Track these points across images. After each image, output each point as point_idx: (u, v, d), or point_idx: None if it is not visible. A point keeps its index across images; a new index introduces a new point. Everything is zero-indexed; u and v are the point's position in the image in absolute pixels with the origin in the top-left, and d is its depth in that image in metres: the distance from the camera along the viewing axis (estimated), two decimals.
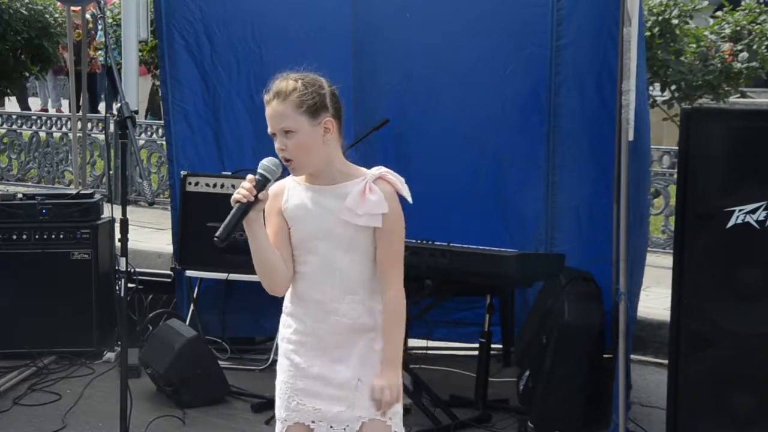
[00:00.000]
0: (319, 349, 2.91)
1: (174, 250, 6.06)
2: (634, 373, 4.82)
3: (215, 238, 2.81)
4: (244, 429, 4.83)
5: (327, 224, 2.83)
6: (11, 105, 16.60)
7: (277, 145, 2.82)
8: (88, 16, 9.99)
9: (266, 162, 2.82)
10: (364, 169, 2.88)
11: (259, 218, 2.83)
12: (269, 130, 2.83)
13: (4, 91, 11.26)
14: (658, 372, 5.44)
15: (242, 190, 2.76)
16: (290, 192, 2.90)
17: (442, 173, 5.72)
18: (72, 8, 7.25)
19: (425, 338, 5.69)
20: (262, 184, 2.79)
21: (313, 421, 2.94)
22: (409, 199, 2.85)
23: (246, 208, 2.78)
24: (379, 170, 2.85)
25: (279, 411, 3.02)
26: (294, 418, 2.97)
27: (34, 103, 17.14)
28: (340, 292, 2.85)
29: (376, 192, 2.80)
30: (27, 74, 11.09)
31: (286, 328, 3.00)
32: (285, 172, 2.88)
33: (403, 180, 2.87)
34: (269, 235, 2.89)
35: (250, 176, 2.80)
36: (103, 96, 14.26)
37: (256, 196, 2.77)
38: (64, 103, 16.65)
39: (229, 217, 2.80)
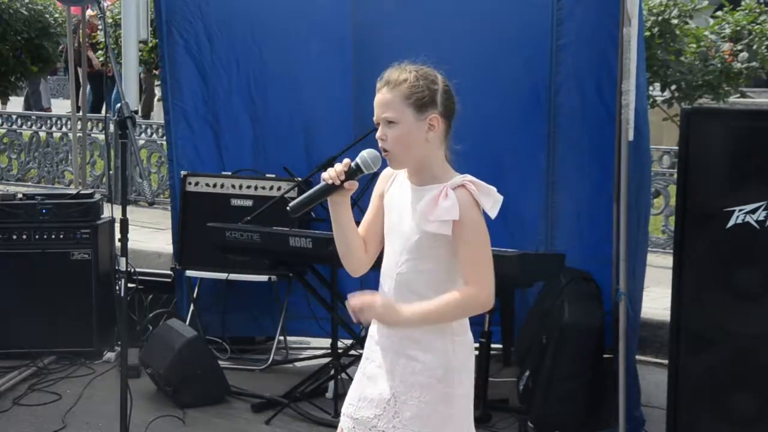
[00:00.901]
0: (378, 344, 2.83)
1: (174, 250, 6.06)
2: None
3: (288, 208, 2.73)
4: (244, 429, 4.83)
5: (402, 223, 2.76)
6: (16, 104, 16.60)
7: (378, 134, 2.75)
8: (90, 12, 10.00)
9: (366, 154, 2.76)
10: (456, 175, 2.77)
11: (345, 203, 2.76)
12: (374, 117, 2.77)
13: (5, 91, 11.24)
14: (658, 372, 5.44)
15: (332, 171, 2.70)
16: (396, 179, 2.84)
17: None
18: (72, 8, 7.26)
19: None
20: (353, 172, 2.73)
21: (351, 418, 2.86)
22: (491, 214, 2.71)
23: (328, 189, 2.72)
24: (464, 178, 2.74)
25: (344, 404, 2.92)
26: (347, 411, 2.89)
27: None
28: (395, 293, 2.77)
29: (451, 198, 2.67)
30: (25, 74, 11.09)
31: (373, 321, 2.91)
32: (383, 166, 2.82)
33: (491, 191, 2.73)
34: (367, 214, 2.86)
35: (346, 160, 2.74)
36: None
37: (342, 182, 2.71)
38: (55, 102, 16.66)
39: (310, 191, 2.74)
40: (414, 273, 2.75)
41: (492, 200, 2.73)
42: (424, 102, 2.74)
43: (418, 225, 2.71)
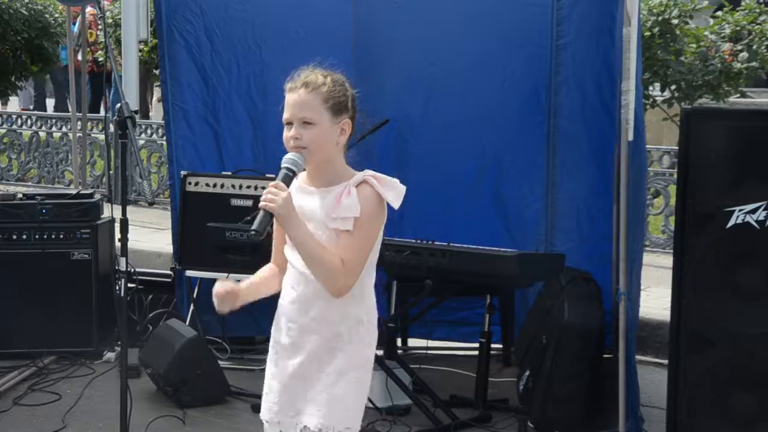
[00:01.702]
0: (291, 350, 2.89)
1: (174, 250, 6.06)
2: None
3: (253, 231, 2.73)
4: (244, 429, 4.83)
5: (309, 226, 2.80)
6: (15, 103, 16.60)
7: (290, 133, 2.78)
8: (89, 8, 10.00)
9: (290, 156, 2.79)
10: (356, 174, 2.83)
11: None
12: (286, 116, 2.81)
13: (5, 91, 11.23)
14: (658, 372, 5.44)
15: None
16: (293, 191, 2.87)
17: (442, 173, 5.72)
18: (72, 8, 7.25)
19: (425, 338, 5.70)
20: (290, 177, 2.77)
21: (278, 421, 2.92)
22: (394, 205, 2.78)
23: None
24: (365, 174, 2.80)
25: (266, 410, 2.97)
26: (265, 416, 2.95)
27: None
28: (311, 295, 2.83)
29: (353, 196, 2.74)
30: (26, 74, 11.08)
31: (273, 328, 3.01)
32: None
33: (393, 183, 2.79)
34: (277, 239, 2.91)
35: (277, 182, 2.75)
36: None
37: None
38: (50, 102, 16.63)
39: (260, 215, 2.74)
40: None
41: (395, 192, 2.79)
42: (340, 107, 2.82)
43: (323, 221, 2.77)
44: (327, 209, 2.76)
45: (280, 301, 2.95)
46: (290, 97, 2.82)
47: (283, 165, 2.78)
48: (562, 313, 4.75)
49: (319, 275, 2.77)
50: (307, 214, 2.80)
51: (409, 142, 5.75)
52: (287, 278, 2.93)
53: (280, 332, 2.94)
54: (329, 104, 2.79)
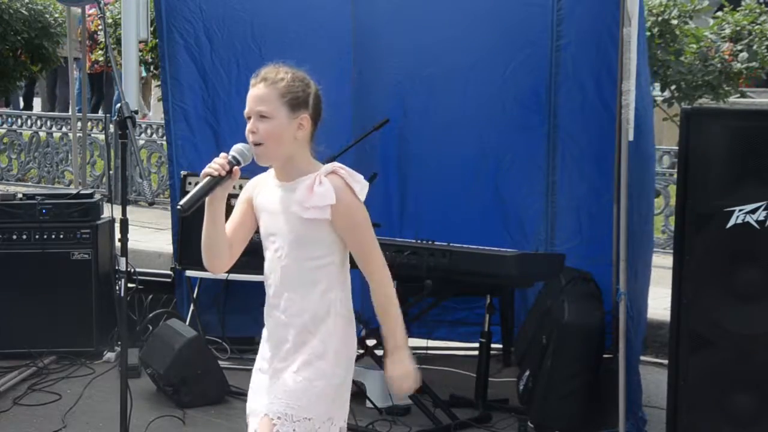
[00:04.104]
0: (268, 343, 2.94)
1: (174, 250, 6.06)
2: None
3: (179, 207, 2.84)
4: (244, 429, 4.82)
5: (278, 221, 2.86)
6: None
7: (249, 127, 2.85)
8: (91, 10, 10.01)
9: (239, 146, 2.87)
10: (325, 166, 2.89)
11: (223, 198, 2.87)
12: (246, 111, 2.87)
13: (5, 91, 11.23)
14: (658, 372, 5.44)
15: (215, 164, 2.82)
16: (264, 186, 2.94)
17: (442, 173, 5.72)
18: (72, 8, 7.25)
19: (425, 338, 5.70)
20: (232, 165, 2.84)
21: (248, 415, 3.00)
22: (360, 196, 2.83)
23: (215, 182, 2.82)
24: (333, 165, 2.86)
25: (248, 403, 3.04)
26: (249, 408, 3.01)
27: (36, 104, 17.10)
28: (280, 288, 2.87)
29: (325, 184, 2.79)
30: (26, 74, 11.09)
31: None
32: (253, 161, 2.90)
33: (359, 177, 2.85)
34: (232, 217, 2.97)
35: (223, 153, 2.85)
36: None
37: (228, 171, 2.81)
38: (37, 101, 16.62)
39: (197, 188, 2.83)
40: (299, 262, 2.84)
41: (360, 185, 2.85)
42: (298, 102, 2.86)
43: (295, 215, 2.81)
44: (299, 200, 2.80)
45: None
46: (250, 92, 2.87)
47: (230, 153, 2.85)
48: (562, 313, 4.75)
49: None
50: (275, 207, 2.87)
51: (410, 142, 5.75)
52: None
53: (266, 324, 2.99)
54: (286, 99, 2.83)
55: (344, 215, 2.80)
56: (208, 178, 2.82)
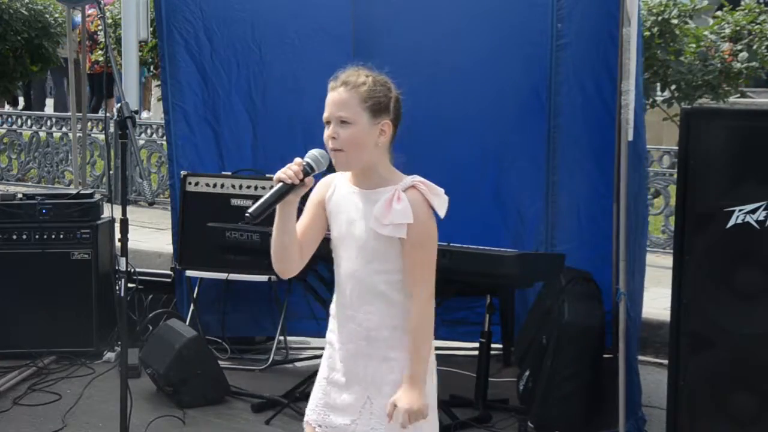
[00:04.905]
0: (340, 353, 2.85)
1: (174, 250, 6.06)
2: None
3: (247, 214, 2.70)
4: (244, 429, 4.83)
5: (356, 228, 2.78)
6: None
7: (328, 132, 2.75)
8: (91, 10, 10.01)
9: (315, 152, 2.77)
10: (404, 177, 2.80)
11: (295, 203, 2.77)
12: (325, 115, 2.78)
13: (5, 91, 11.24)
14: (658, 372, 5.44)
15: (289, 170, 2.71)
16: (337, 187, 2.85)
17: (442, 173, 5.69)
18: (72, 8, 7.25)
19: None
20: (306, 172, 2.74)
21: (319, 426, 2.89)
22: (440, 213, 2.75)
23: (287, 189, 2.72)
24: (413, 179, 2.77)
25: (307, 411, 2.95)
26: (311, 418, 2.92)
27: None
28: (357, 300, 2.79)
29: (403, 201, 2.70)
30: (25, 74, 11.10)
31: (329, 329, 2.94)
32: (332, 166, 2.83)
33: (440, 191, 2.76)
34: (302, 219, 2.86)
35: (298, 159, 2.74)
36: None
37: (301, 180, 2.71)
38: (49, 101, 16.62)
39: (267, 195, 2.72)
40: (373, 275, 2.78)
41: (440, 200, 2.77)
42: (380, 108, 2.78)
43: (373, 228, 2.74)
44: (377, 215, 2.72)
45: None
46: (330, 96, 2.78)
47: (305, 159, 2.76)
48: (562, 313, 4.75)
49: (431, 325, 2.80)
50: (351, 214, 2.79)
51: (409, 142, 5.72)
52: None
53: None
54: (368, 104, 2.75)
55: (415, 233, 2.72)
56: (280, 184, 2.71)
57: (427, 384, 2.83)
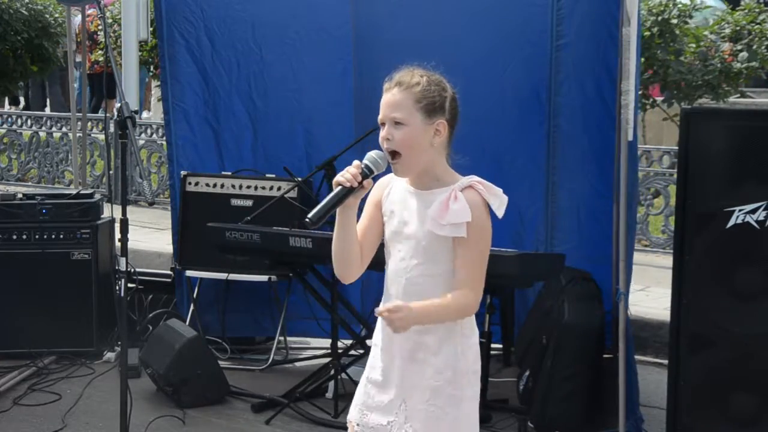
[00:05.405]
0: (384, 351, 2.83)
1: (174, 250, 6.06)
2: None
3: (307, 220, 2.69)
4: (244, 429, 4.84)
5: (409, 228, 2.76)
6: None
7: (383, 134, 2.74)
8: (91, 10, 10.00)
9: (373, 154, 2.75)
10: (460, 178, 2.78)
11: (355, 206, 2.75)
12: (380, 117, 2.76)
13: (5, 91, 11.23)
14: (658, 372, 5.44)
15: (347, 173, 2.68)
16: (393, 187, 2.83)
17: None
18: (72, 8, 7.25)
19: None
20: (365, 174, 2.72)
21: (358, 424, 2.88)
22: (498, 213, 2.73)
23: (347, 192, 2.69)
24: (471, 179, 2.76)
25: (350, 409, 2.93)
26: (353, 416, 2.90)
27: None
28: (404, 297, 2.75)
29: (460, 200, 2.69)
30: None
31: (376, 328, 2.91)
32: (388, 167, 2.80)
33: (498, 191, 2.74)
34: (361, 221, 2.83)
35: (356, 162, 2.73)
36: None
37: (360, 183, 2.69)
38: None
39: (327, 198, 2.71)
40: (424, 277, 2.75)
41: (499, 200, 2.75)
42: (434, 107, 2.76)
43: (430, 229, 2.71)
44: (434, 215, 2.70)
45: None
46: (384, 97, 2.77)
47: (363, 161, 2.74)
48: (562, 313, 4.75)
49: (456, 318, 2.76)
50: (407, 216, 2.77)
51: None
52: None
53: None
54: (422, 104, 2.73)
55: (473, 233, 2.70)
56: (339, 187, 2.68)
57: (468, 389, 2.82)
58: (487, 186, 2.75)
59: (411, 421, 2.76)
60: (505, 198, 2.76)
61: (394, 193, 2.83)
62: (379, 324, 2.85)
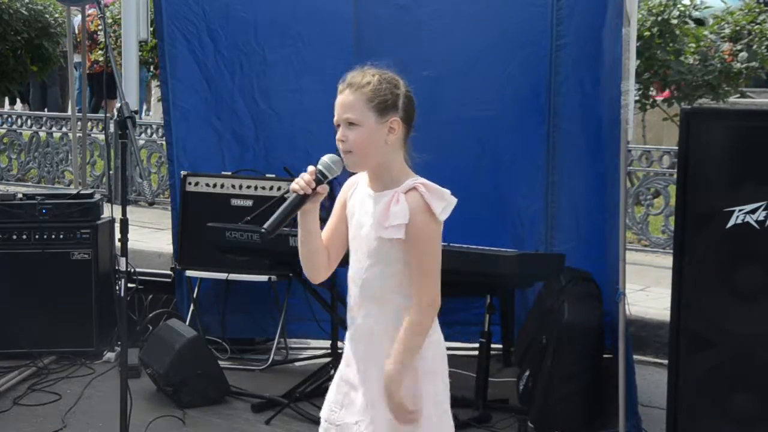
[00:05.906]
0: (349, 351, 2.86)
1: (174, 250, 6.06)
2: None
3: (262, 230, 2.70)
4: (244, 429, 4.84)
5: (363, 230, 2.78)
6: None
7: (338, 135, 2.75)
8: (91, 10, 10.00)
9: (326, 159, 2.76)
10: (408, 180, 2.78)
11: (315, 210, 2.76)
12: (334, 119, 2.78)
13: (5, 91, 11.23)
14: (658, 372, 5.44)
15: (301, 180, 2.70)
16: (357, 188, 2.85)
17: (442, 173, 5.69)
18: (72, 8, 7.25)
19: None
20: (319, 180, 2.72)
21: (326, 420, 2.90)
22: (440, 216, 2.72)
23: (301, 199, 2.71)
24: (415, 181, 2.75)
25: (323, 406, 2.95)
26: (323, 413, 2.92)
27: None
28: (360, 299, 2.79)
29: (401, 203, 2.69)
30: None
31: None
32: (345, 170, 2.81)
33: (444, 194, 2.74)
34: (330, 221, 2.86)
35: (311, 168, 2.73)
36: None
37: (314, 189, 2.71)
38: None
39: (282, 207, 2.71)
40: (379, 279, 2.76)
41: (443, 204, 2.73)
42: (386, 105, 2.76)
43: (375, 231, 2.73)
44: (378, 217, 2.72)
45: None
46: (338, 99, 2.78)
47: (317, 166, 2.75)
48: (562, 313, 4.75)
49: (427, 332, 2.76)
50: (361, 218, 2.79)
51: (408, 142, 5.74)
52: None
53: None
54: (374, 103, 2.74)
55: (413, 235, 2.69)
56: (293, 194, 2.70)
57: (425, 387, 2.80)
58: (430, 188, 2.74)
59: (375, 423, 2.77)
60: (453, 200, 2.75)
61: (357, 194, 2.85)
62: (348, 319, 2.88)
